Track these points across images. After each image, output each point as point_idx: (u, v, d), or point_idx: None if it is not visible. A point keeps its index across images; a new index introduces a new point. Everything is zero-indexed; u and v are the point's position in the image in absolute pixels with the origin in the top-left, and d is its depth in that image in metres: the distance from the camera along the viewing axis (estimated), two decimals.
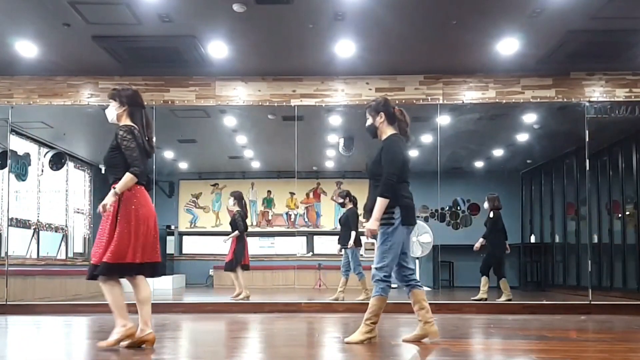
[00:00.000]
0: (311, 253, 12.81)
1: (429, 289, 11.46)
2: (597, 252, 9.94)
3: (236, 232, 8.63)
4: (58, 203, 10.86)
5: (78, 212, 11.48)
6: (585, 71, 7.65)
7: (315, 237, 13.12)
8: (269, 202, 13.33)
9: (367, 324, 4.23)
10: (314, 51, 7.03)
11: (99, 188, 12.02)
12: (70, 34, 6.43)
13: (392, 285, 4.34)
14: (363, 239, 8.40)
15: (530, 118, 9.01)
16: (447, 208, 12.58)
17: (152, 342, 3.97)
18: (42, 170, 10.20)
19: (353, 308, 7.57)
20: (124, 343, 3.98)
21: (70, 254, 10.94)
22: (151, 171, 4.28)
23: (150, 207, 4.02)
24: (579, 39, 6.63)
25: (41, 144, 10.08)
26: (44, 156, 10.24)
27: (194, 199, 13.28)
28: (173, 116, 8.67)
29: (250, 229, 9.30)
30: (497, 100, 7.78)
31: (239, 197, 8.91)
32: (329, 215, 13.27)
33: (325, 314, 7.19)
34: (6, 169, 8.27)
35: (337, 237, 8.88)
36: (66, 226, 10.94)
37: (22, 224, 9.52)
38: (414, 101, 7.75)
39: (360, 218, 8.42)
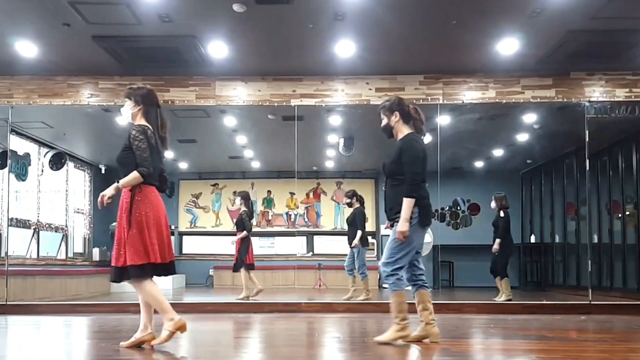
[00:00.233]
0: (311, 253, 12.81)
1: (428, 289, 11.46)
2: (597, 252, 9.94)
3: (244, 232, 8.63)
4: (58, 203, 10.86)
5: (78, 212, 11.48)
6: (585, 71, 7.65)
7: (315, 237, 13.12)
8: (269, 202, 13.33)
9: (396, 323, 4.19)
10: (314, 51, 7.03)
11: (99, 188, 11.94)
12: (70, 34, 6.43)
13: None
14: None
15: (530, 118, 9.01)
16: (447, 208, 12.59)
17: (151, 343, 3.97)
18: (42, 170, 10.20)
19: (353, 308, 7.58)
20: (124, 343, 3.98)
21: (70, 254, 10.95)
22: (166, 170, 4.26)
23: (161, 207, 4.01)
24: (579, 39, 6.63)
25: (41, 144, 10.08)
26: (44, 156, 10.24)
27: (194, 199, 13.28)
28: (173, 116, 8.66)
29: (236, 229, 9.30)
30: (497, 100, 7.78)
31: (245, 197, 8.92)
32: (329, 215, 13.27)
33: (325, 314, 7.19)
34: (6, 169, 8.27)
35: (346, 237, 8.89)
36: (66, 226, 10.94)
37: (22, 224, 9.52)
38: (414, 101, 7.74)
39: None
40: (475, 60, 7.30)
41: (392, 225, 4.37)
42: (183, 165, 12.80)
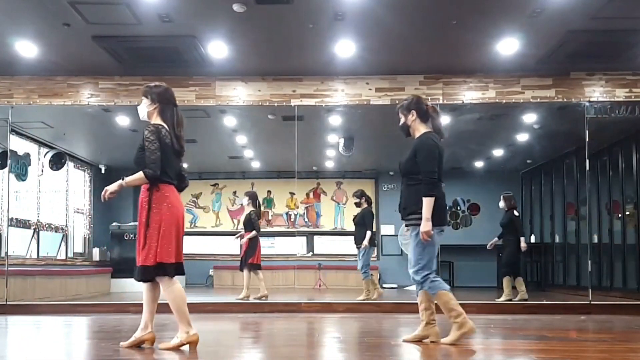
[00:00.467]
0: (311, 253, 12.81)
1: None
2: (597, 252, 9.94)
3: (254, 232, 8.62)
4: (58, 203, 10.86)
5: (78, 212, 11.48)
6: (585, 71, 7.66)
7: (315, 237, 13.11)
8: (269, 202, 13.32)
9: (454, 322, 4.16)
10: (314, 51, 7.03)
11: (99, 188, 11.93)
12: (70, 34, 6.43)
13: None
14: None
15: (530, 118, 9.01)
16: (447, 208, 12.58)
17: (152, 342, 3.97)
18: (42, 170, 10.20)
19: (353, 308, 7.58)
20: (124, 343, 3.97)
21: (70, 254, 10.95)
22: (184, 169, 4.27)
23: (180, 206, 3.98)
24: (579, 39, 6.63)
25: (41, 144, 10.08)
26: (44, 156, 10.24)
27: (194, 199, 13.28)
28: None
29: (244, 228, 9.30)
30: (497, 100, 7.78)
31: (253, 197, 8.92)
32: (329, 215, 13.27)
33: (325, 314, 7.19)
34: (6, 169, 8.27)
35: (345, 236, 8.89)
36: (66, 226, 10.94)
37: (22, 224, 9.52)
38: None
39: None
40: (475, 60, 7.30)
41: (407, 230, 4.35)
42: (183, 165, 12.78)
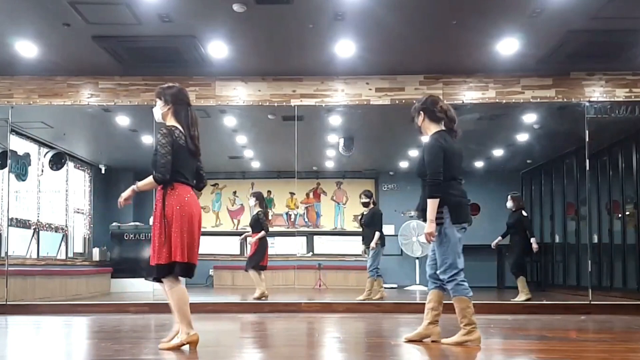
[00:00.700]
0: (311, 253, 12.81)
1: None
2: (597, 252, 9.94)
3: (263, 232, 8.60)
4: (58, 203, 10.86)
5: (78, 212, 11.48)
6: (585, 71, 7.65)
7: (315, 237, 13.10)
8: (269, 202, 13.31)
9: (463, 327, 4.14)
10: (314, 51, 7.03)
11: (99, 188, 12.03)
12: (70, 34, 6.43)
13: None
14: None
15: (530, 118, 9.01)
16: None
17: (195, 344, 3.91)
18: (42, 170, 10.20)
19: (353, 308, 7.58)
20: (173, 344, 3.91)
21: (70, 254, 10.95)
22: (203, 168, 4.28)
23: (193, 207, 3.96)
24: (579, 39, 6.63)
25: (41, 144, 10.08)
26: (44, 156, 10.24)
27: None
28: None
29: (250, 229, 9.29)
30: (497, 100, 7.78)
31: (260, 197, 8.92)
32: (329, 216, 13.26)
33: (325, 314, 7.19)
34: (6, 169, 8.27)
35: (346, 237, 8.88)
36: (66, 226, 10.94)
37: (22, 224, 9.52)
38: (414, 101, 7.72)
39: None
40: (475, 60, 7.29)
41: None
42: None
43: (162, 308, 6.94)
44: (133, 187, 3.92)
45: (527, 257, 8.66)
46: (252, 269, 8.47)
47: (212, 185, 13.29)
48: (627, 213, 9.39)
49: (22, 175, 9.43)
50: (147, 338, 4.91)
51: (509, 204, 8.60)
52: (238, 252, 12.44)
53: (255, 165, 12.74)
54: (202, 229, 4.11)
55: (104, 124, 9.37)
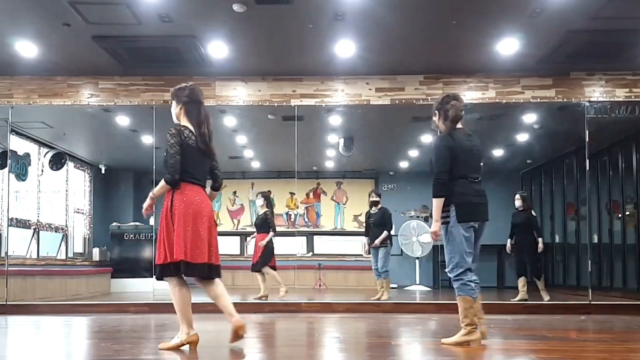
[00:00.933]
0: (311, 253, 12.80)
1: (428, 289, 11.47)
2: (597, 252, 9.94)
3: (271, 233, 8.58)
4: (58, 203, 10.86)
5: (78, 212, 11.48)
6: (585, 71, 7.65)
7: (315, 237, 13.10)
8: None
9: (464, 327, 4.13)
10: (314, 51, 7.03)
11: (99, 188, 12.03)
12: (70, 34, 6.43)
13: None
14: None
15: (530, 118, 9.01)
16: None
17: (241, 331, 4.01)
18: (42, 170, 10.20)
19: (353, 308, 7.57)
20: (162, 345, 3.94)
21: (70, 254, 10.94)
22: (217, 167, 4.27)
23: (202, 207, 3.93)
24: (579, 39, 6.63)
25: (41, 144, 10.08)
26: (44, 156, 10.24)
27: None
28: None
29: (250, 229, 9.29)
30: (497, 100, 7.77)
31: (267, 197, 8.92)
32: (329, 216, 13.26)
33: (325, 314, 7.18)
34: (6, 169, 8.27)
35: (346, 237, 8.85)
36: (66, 226, 10.94)
37: (22, 224, 9.52)
38: (414, 101, 7.75)
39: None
40: (475, 60, 7.29)
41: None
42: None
43: (163, 308, 6.95)
44: (150, 194, 3.94)
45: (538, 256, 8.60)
46: (259, 270, 8.45)
47: None
48: (627, 213, 9.38)
49: (22, 175, 9.43)
50: (147, 338, 4.92)
51: (518, 203, 8.58)
52: (238, 252, 12.43)
53: (255, 165, 12.74)
54: None
55: (104, 124, 9.36)
